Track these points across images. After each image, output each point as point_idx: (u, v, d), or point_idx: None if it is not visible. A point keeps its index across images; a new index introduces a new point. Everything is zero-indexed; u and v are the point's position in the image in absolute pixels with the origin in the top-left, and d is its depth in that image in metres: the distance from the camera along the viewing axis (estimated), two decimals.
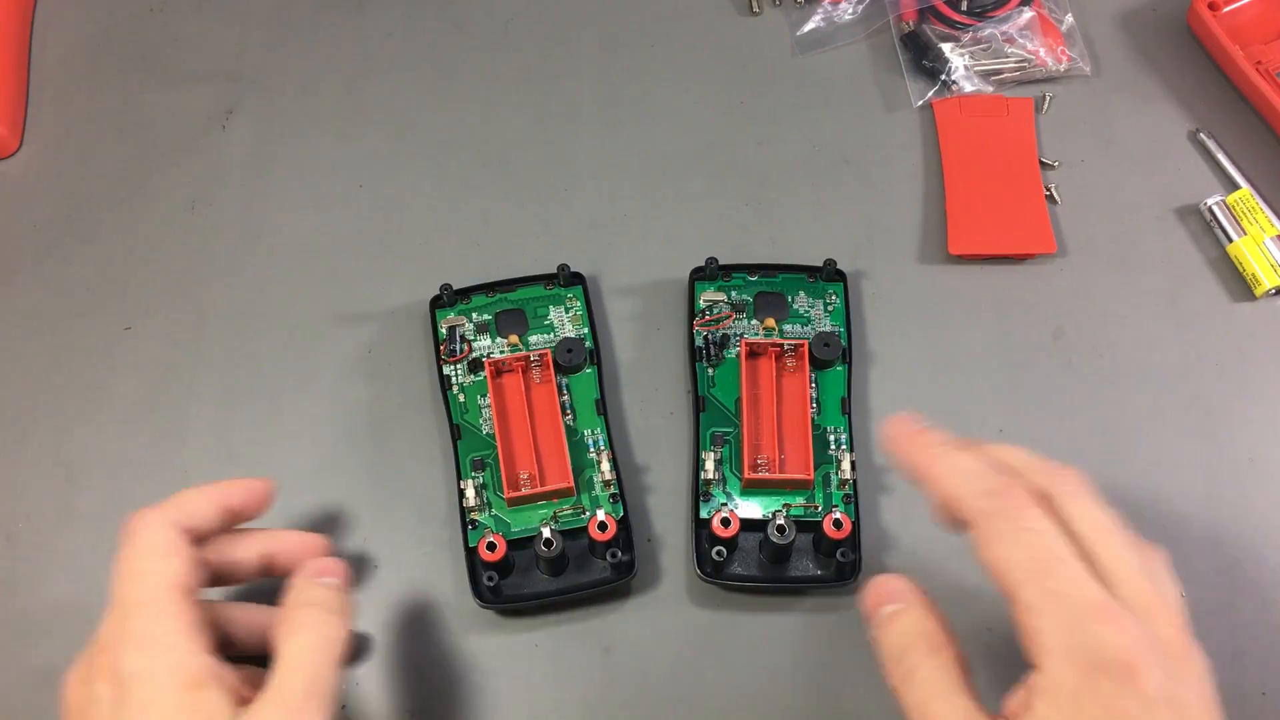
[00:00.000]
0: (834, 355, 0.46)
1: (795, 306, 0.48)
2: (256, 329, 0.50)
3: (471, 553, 0.44)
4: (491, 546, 0.42)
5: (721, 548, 0.43)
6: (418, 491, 0.46)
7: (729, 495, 0.45)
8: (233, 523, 0.39)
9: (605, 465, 0.45)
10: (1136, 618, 0.31)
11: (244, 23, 0.57)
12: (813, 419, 0.46)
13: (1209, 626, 0.44)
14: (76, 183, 0.53)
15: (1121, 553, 0.33)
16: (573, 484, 0.44)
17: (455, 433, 0.46)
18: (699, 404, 0.46)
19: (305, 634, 0.35)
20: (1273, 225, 0.50)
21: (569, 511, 0.44)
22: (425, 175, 0.53)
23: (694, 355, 0.47)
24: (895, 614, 0.35)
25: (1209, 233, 0.51)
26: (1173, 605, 0.33)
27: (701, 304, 0.48)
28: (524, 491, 0.44)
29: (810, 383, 0.46)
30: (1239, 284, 0.50)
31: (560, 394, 0.46)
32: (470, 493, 0.44)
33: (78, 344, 0.50)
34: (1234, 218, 0.50)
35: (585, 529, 0.43)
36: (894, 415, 0.37)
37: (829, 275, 0.49)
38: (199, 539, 0.37)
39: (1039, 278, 0.50)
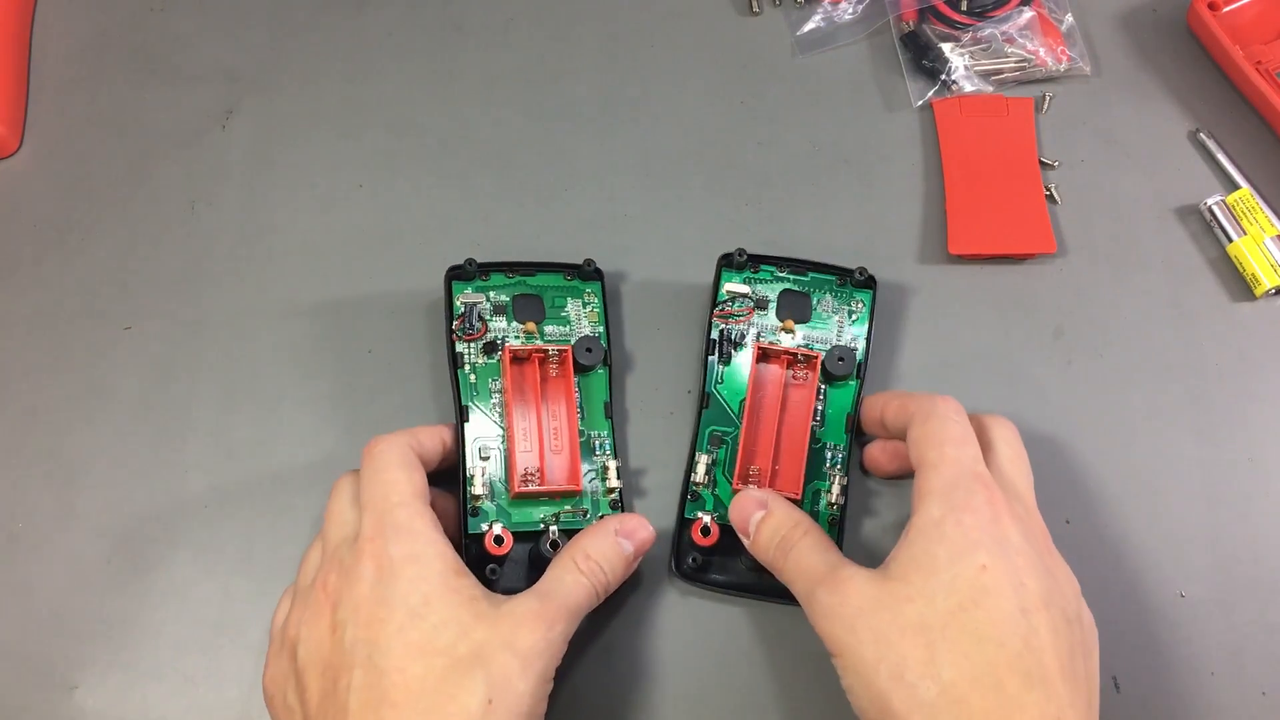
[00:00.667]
0: (846, 371, 0.46)
1: (819, 309, 0.48)
2: (256, 329, 0.50)
3: (478, 540, 0.43)
4: (499, 540, 0.42)
5: (696, 555, 0.43)
6: None
7: (717, 499, 0.45)
8: (440, 461, 0.44)
9: (612, 471, 0.45)
10: (1005, 492, 0.39)
11: (244, 23, 0.57)
12: (814, 432, 0.45)
13: (1209, 626, 0.44)
14: (76, 183, 0.53)
15: (1012, 455, 0.41)
16: (580, 486, 0.44)
17: (463, 415, 0.45)
18: (703, 400, 0.46)
19: (579, 575, 0.40)
20: (1273, 225, 0.50)
21: (570, 512, 0.44)
22: (425, 175, 0.53)
23: (707, 347, 0.47)
24: (765, 517, 0.41)
25: (1209, 233, 0.51)
26: (1031, 489, 0.41)
27: (724, 294, 0.47)
28: (530, 489, 0.44)
29: (818, 396, 0.46)
30: (1239, 284, 0.50)
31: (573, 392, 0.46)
32: (479, 480, 0.44)
33: (78, 344, 0.50)
34: (1234, 218, 0.50)
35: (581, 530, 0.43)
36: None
37: (860, 283, 0.48)
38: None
39: (1039, 278, 0.50)
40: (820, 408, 0.46)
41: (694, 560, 0.43)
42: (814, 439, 0.45)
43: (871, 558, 0.45)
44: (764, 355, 0.46)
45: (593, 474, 0.45)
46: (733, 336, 0.47)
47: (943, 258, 0.51)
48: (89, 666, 0.44)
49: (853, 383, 0.46)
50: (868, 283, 0.48)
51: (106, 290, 0.51)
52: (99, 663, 0.44)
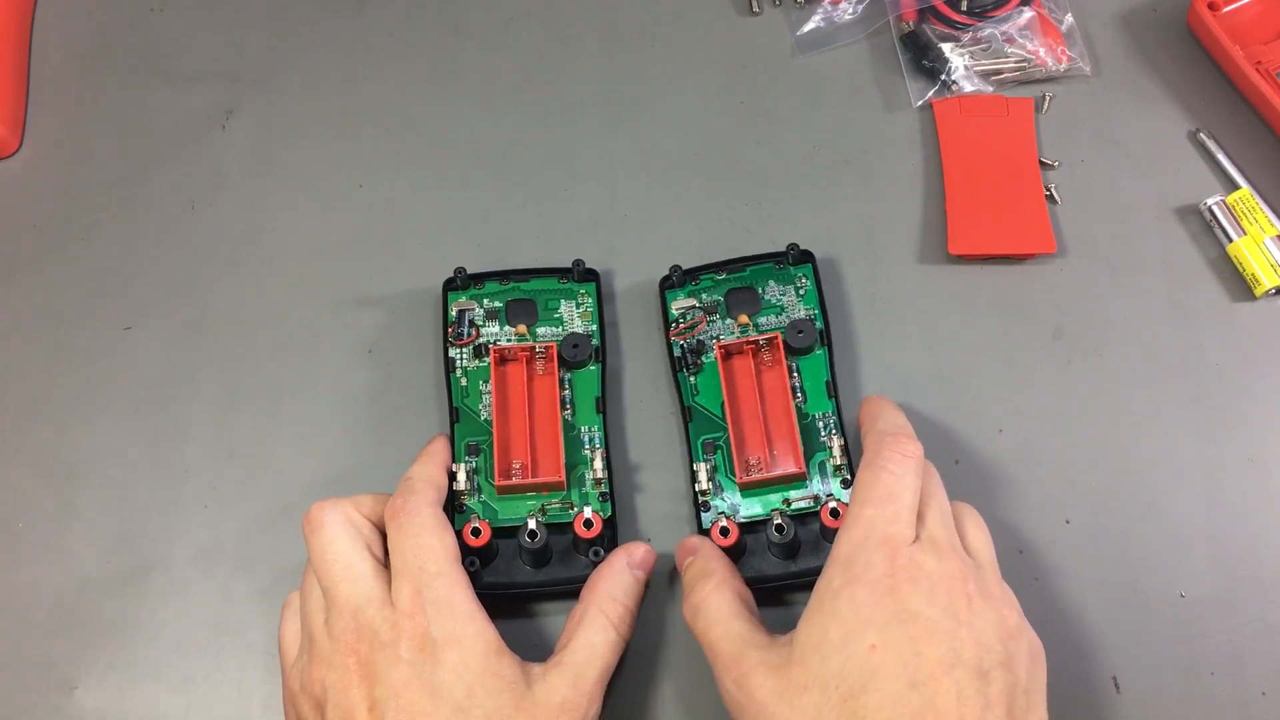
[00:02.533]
0: (809, 341, 0.46)
1: (767, 297, 0.48)
2: (256, 329, 0.50)
3: (458, 534, 0.43)
4: (476, 532, 0.42)
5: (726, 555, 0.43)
6: None
7: (727, 501, 0.45)
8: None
9: (598, 464, 0.45)
10: (930, 560, 0.37)
11: (244, 23, 0.57)
12: (799, 408, 0.46)
13: (1209, 626, 0.44)
14: (76, 183, 0.53)
15: (942, 518, 0.39)
16: (563, 478, 0.44)
17: (454, 416, 0.46)
18: (686, 414, 0.46)
19: (610, 632, 0.39)
20: (1273, 225, 0.50)
21: (557, 506, 0.44)
22: (425, 175, 0.53)
23: (674, 366, 0.47)
24: (691, 562, 0.41)
25: (1209, 233, 0.51)
26: (975, 559, 0.39)
27: (674, 313, 0.48)
28: (514, 481, 0.44)
29: (791, 372, 0.46)
30: (1239, 284, 0.50)
31: (562, 388, 0.46)
32: (461, 476, 0.44)
33: (78, 344, 0.50)
34: (1234, 218, 0.50)
35: (571, 524, 0.43)
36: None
37: (796, 259, 0.48)
38: None
39: (1039, 278, 0.50)
40: (797, 383, 0.46)
41: None
42: (802, 415, 0.46)
43: None
44: (728, 353, 0.47)
45: (581, 468, 0.45)
46: (693, 347, 0.47)
47: (943, 258, 0.51)
48: (89, 666, 0.44)
49: (821, 350, 0.47)
50: (803, 257, 0.48)
51: (106, 290, 0.51)
52: (99, 663, 0.44)
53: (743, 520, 0.44)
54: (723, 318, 0.48)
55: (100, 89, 0.56)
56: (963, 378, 0.48)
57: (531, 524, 0.42)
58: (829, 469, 0.45)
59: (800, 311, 0.48)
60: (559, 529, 0.44)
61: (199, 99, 0.55)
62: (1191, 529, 0.46)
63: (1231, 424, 0.47)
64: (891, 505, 0.38)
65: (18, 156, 0.54)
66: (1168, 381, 0.48)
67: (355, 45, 0.56)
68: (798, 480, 0.44)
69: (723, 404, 0.46)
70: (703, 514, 0.44)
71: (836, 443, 0.45)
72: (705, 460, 0.45)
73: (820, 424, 0.46)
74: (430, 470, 0.43)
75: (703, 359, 0.47)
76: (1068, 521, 0.46)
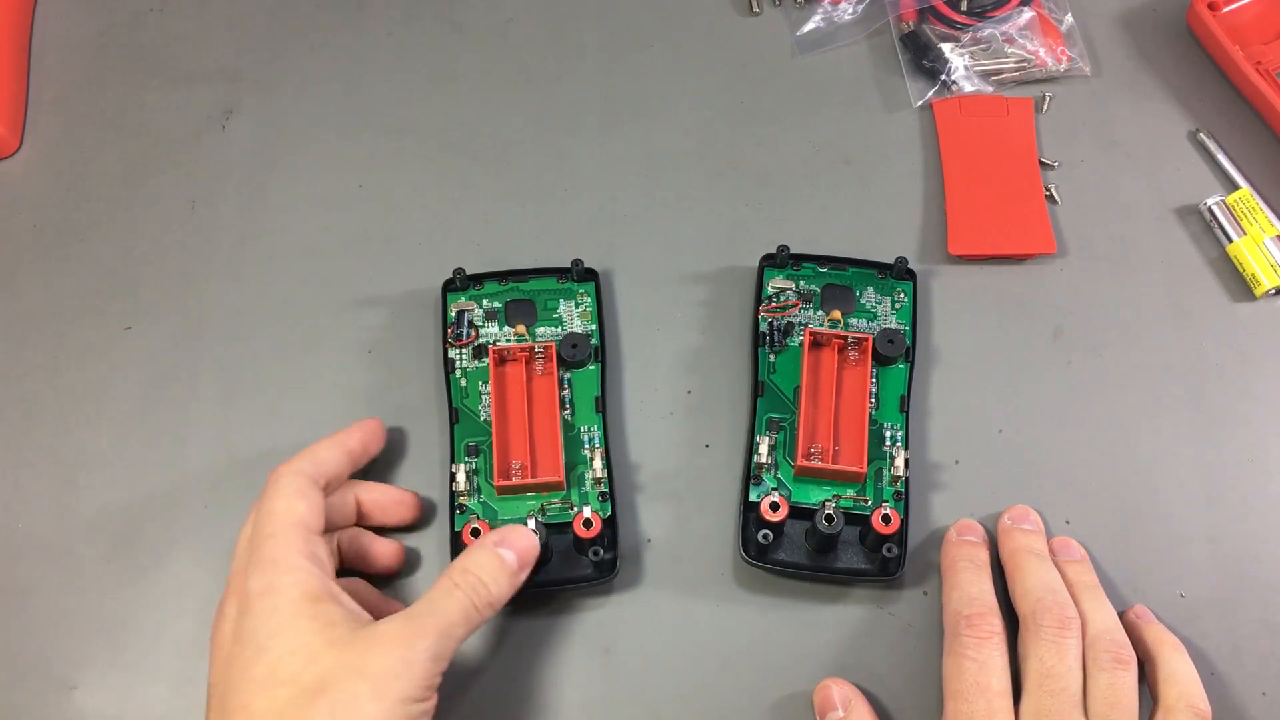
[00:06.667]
0: (897, 352, 0.46)
1: (863, 301, 0.49)
2: (256, 329, 0.50)
3: (455, 537, 0.44)
4: (475, 532, 0.43)
5: (768, 531, 0.43)
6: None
7: (780, 481, 0.45)
8: (358, 464, 0.44)
9: (598, 463, 0.45)
10: None
11: (244, 23, 0.57)
12: (870, 414, 0.46)
13: (1209, 627, 0.44)
14: (76, 183, 0.53)
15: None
16: (563, 478, 0.44)
17: (453, 416, 0.46)
18: (758, 389, 0.47)
19: (454, 592, 0.38)
20: (1272, 225, 0.50)
21: (557, 506, 0.44)
22: (425, 175, 0.53)
23: (756, 340, 0.48)
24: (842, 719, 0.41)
25: (1209, 233, 0.51)
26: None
27: (770, 290, 0.48)
28: (514, 481, 0.44)
29: (871, 378, 0.46)
30: (1239, 284, 0.50)
31: (561, 388, 0.47)
32: (461, 477, 0.44)
33: (78, 344, 0.50)
34: (1234, 218, 0.50)
35: (571, 524, 0.43)
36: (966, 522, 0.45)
37: (899, 274, 0.49)
38: (331, 484, 0.42)
39: (1039, 278, 0.50)
40: (873, 389, 0.46)
41: (765, 537, 0.43)
42: (870, 420, 0.46)
43: (935, 536, 0.44)
44: (815, 341, 0.47)
45: (580, 467, 0.45)
46: (781, 327, 0.48)
47: (943, 258, 0.51)
48: (89, 666, 0.44)
49: (903, 365, 0.47)
50: (907, 274, 0.49)
51: (106, 290, 0.51)
52: (99, 663, 0.44)
53: (792, 503, 0.44)
54: (815, 309, 0.48)
55: (100, 89, 0.56)
56: (963, 378, 0.48)
57: (531, 524, 0.42)
58: (886, 477, 0.45)
59: (893, 322, 0.48)
60: (559, 529, 0.44)
61: (199, 99, 0.55)
62: (1191, 529, 0.46)
63: (1231, 424, 0.47)
64: (983, 698, 0.39)
65: (18, 156, 0.54)
66: (1168, 382, 0.48)
67: (355, 45, 0.57)
68: (854, 479, 0.44)
69: (797, 387, 0.46)
70: (753, 486, 0.45)
71: (901, 455, 0.45)
72: (768, 435, 0.45)
73: (886, 434, 0.46)
74: (320, 447, 0.43)
75: (788, 341, 0.47)
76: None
